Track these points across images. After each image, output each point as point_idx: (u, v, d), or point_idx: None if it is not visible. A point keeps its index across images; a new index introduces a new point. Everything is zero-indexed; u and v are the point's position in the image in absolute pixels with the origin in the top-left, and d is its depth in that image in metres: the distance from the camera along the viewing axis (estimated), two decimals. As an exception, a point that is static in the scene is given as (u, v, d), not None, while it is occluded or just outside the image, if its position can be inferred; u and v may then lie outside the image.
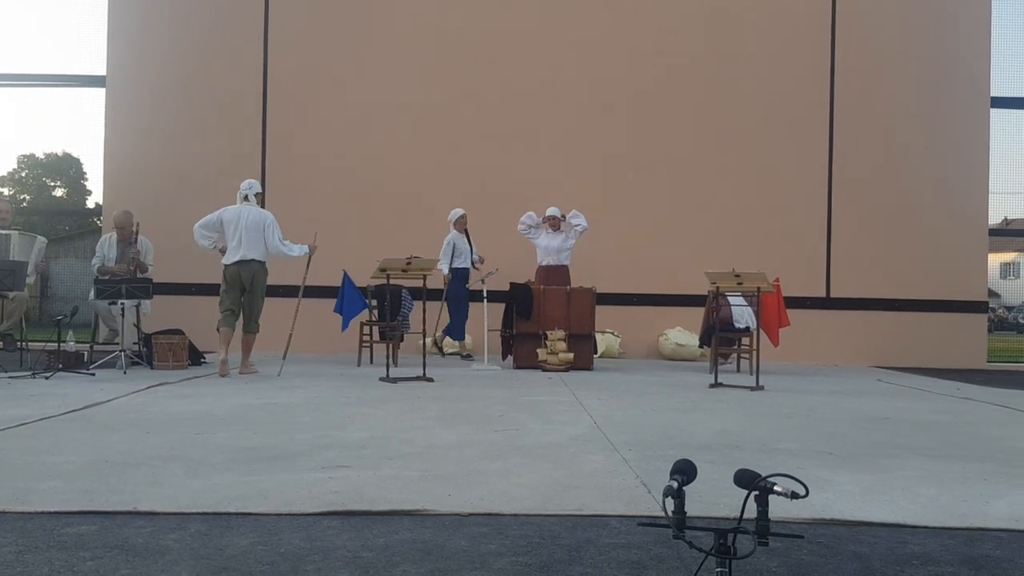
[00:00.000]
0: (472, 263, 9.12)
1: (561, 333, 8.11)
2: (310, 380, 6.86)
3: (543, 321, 8.24)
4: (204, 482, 3.16)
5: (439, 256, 8.82)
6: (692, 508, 1.90)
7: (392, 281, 7.38)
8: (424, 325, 7.41)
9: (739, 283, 7.17)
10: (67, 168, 38.08)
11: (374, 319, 8.66)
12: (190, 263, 9.39)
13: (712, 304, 7.91)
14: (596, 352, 8.94)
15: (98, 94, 10.51)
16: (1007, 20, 11.20)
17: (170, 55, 10.39)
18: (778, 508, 2.05)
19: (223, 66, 10.34)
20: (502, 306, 8.64)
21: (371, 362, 8.54)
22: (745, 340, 8.39)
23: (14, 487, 3.01)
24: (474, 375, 7.68)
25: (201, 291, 9.61)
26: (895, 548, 2.54)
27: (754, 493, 1.69)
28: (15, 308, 8.70)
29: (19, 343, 8.12)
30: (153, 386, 6.19)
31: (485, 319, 8.55)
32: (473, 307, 8.98)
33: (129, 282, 7.53)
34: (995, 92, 10.70)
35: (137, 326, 7.81)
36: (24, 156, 37.92)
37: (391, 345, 7.97)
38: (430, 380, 6.85)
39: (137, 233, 8.18)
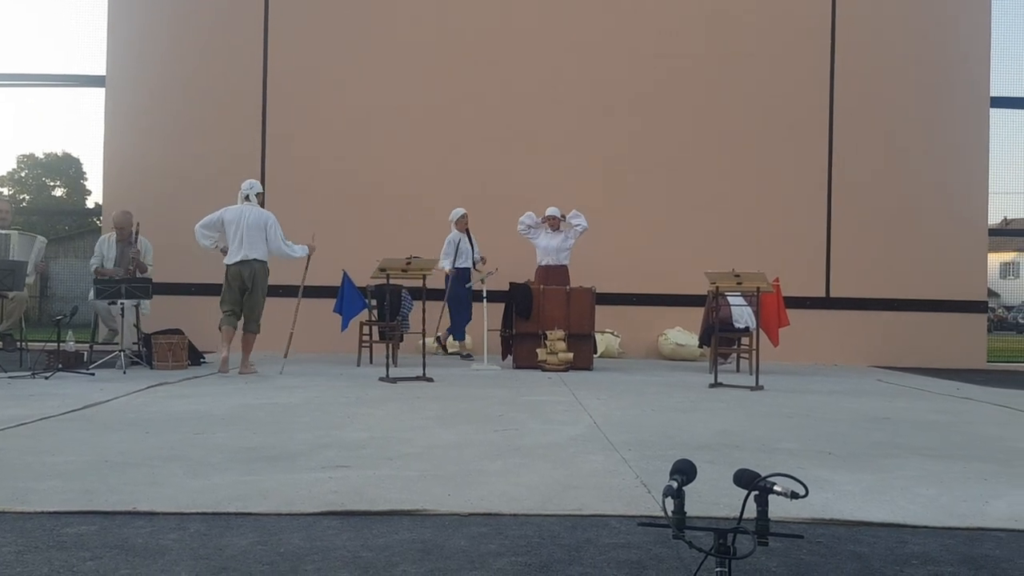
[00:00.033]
0: (473, 263, 9.13)
1: (561, 333, 8.11)
2: (310, 380, 6.86)
3: (543, 321, 8.24)
4: (204, 482, 3.16)
5: (440, 256, 8.85)
6: (692, 508, 1.90)
7: (392, 281, 7.38)
8: (424, 325, 7.41)
9: (739, 283, 7.17)
10: (67, 168, 38.07)
11: (374, 319, 8.66)
12: (190, 263, 9.40)
13: (712, 304, 7.91)
14: (596, 352, 8.94)
15: (98, 94, 10.51)
16: (1007, 20, 11.21)
17: (170, 55, 10.39)
18: (778, 508, 2.05)
19: (223, 66, 10.34)
20: (502, 306, 8.64)
21: (371, 362, 8.54)
22: (745, 340, 8.39)
23: (14, 487, 3.01)
24: (474, 375, 7.68)
25: (201, 291, 9.62)
26: (895, 548, 2.54)
27: (754, 493, 1.69)
28: (15, 308, 8.70)
29: (19, 343, 8.12)
30: (153, 386, 6.19)
31: (485, 319, 8.56)
32: (473, 307, 8.99)
33: (129, 282, 7.54)
34: (995, 92, 10.71)
35: (137, 326, 7.80)
36: (24, 156, 37.95)
37: (391, 345, 7.97)
38: (430, 380, 6.85)
39: (137, 233, 8.19)
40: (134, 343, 7.81)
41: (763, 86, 10.41)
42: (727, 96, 10.40)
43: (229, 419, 4.72)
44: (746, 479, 1.72)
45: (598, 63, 10.38)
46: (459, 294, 8.98)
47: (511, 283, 8.56)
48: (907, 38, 10.55)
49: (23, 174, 37.81)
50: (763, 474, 1.71)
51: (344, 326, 8.46)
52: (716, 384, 6.98)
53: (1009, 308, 28.64)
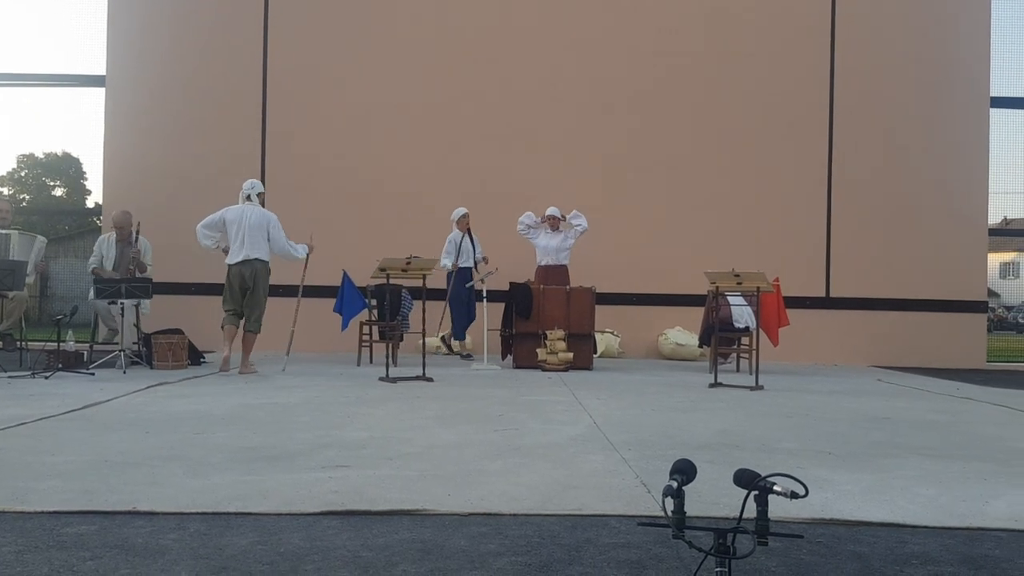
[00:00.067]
0: (475, 263, 9.13)
1: (561, 333, 8.11)
2: (310, 380, 6.86)
3: (543, 321, 8.24)
4: (204, 482, 3.16)
5: (441, 255, 8.86)
6: (692, 508, 1.90)
7: (392, 281, 7.38)
8: (424, 325, 7.41)
9: (739, 283, 7.17)
10: (67, 168, 38.06)
11: (374, 319, 8.66)
12: (190, 263, 9.40)
13: (712, 304, 7.91)
14: (596, 352, 8.94)
15: (98, 94, 10.51)
16: (1007, 20, 11.20)
17: (170, 55, 10.39)
18: (778, 508, 2.05)
19: (223, 66, 10.34)
20: (502, 306, 8.64)
21: (371, 362, 8.54)
22: (745, 340, 8.39)
23: (14, 487, 3.01)
24: (474, 375, 7.68)
25: (201, 291, 9.63)
26: (894, 548, 2.54)
27: (754, 493, 1.69)
28: (15, 308, 8.69)
29: (19, 343, 8.12)
30: (153, 386, 6.19)
31: (485, 319, 8.56)
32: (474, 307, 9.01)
33: (128, 282, 7.54)
34: (995, 92, 10.70)
35: (137, 326, 7.80)
36: (24, 156, 37.93)
37: (391, 345, 7.97)
38: (430, 380, 6.86)
39: (138, 233, 8.19)
40: (134, 343, 7.81)
41: (763, 84, 10.41)
42: (727, 94, 10.40)
43: (229, 419, 4.72)
44: (746, 479, 1.72)
45: (597, 61, 10.38)
46: (460, 294, 8.99)
47: (511, 283, 8.55)
48: (907, 36, 10.55)
49: (23, 174, 37.80)
50: (763, 474, 1.71)
51: (344, 326, 8.46)
52: (716, 384, 6.98)
53: (1009, 308, 28.64)
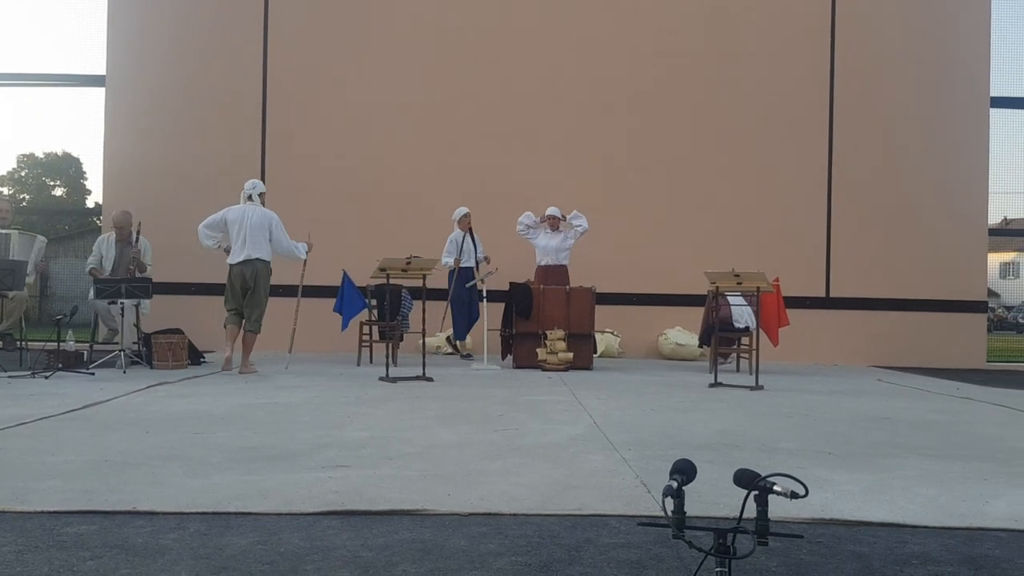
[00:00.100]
0: (477, 262, 9.13)
1: (561, 333, 8.11)
2: (310, 380, 6.86)
3: (543, 321, 8.24)
4: (204, 482, 3.16)
5: (442, 254, 8.88)
6: (692, 508, 1.90)
7: (392, 281, 7.38)
8: (424, 325, 7.41)
9: (739, 283, 7.18)
10: (67, 168, 38.07)
11: (374, 319, 8.66)
12: (190, 263, 9.41)
13: (712, 304, 7.91)
14: (596, 352, 8.94)
15: (98, 94, 10.51)
16: (1007, 20, 11.20)
17: (170, 55, 10.38)
18: (778, 508, 2.05)
19: (223, 66, 10.34)
20: (502, 306, 8.65)
21: (371, 362, 8.54)
22: (745, 340, 8.39)
23: (14, 487, 3.01)
24: (474, 375, 7.68)
25: (201, 291, 9.64)
26: (894, 548, 2.54)
27: (754, 493, 1.69)
28: (15, 307, 8.69)
29: (19, 343, 8.11)
30: (153, 386, 6.19)
31: (485, 319, 8.57)
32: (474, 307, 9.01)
33: (128, 282, 7.54)
34: (995, 92, 10.70)
35: (137, 326, 7.80)
36: (24, 155, 37.94)
37: (391, 345, 7.98)
38: (430, 380, 6.86)
39: (139, 233, 8.19)
40: (134, 343, 7.81)
41: (763, 84, 10.41)
42: (727, 94, 10.40)
43: (229, 419, 4.72)
44: (746, 479, 1.72)
45: (597, 61, 10.38)
46: (462, 295, 8.99)
47: (511, 283, 8.56)
48: (907, 36, 10.55)
49: (23, 174, 37.80)
50: (763, 474, 1.71)
51: (344, 326, 8.46)
52: (716, 384, 6.98)
53: (1009, 308, 28.64)
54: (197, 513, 2.74)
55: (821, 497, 3.06)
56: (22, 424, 4.37)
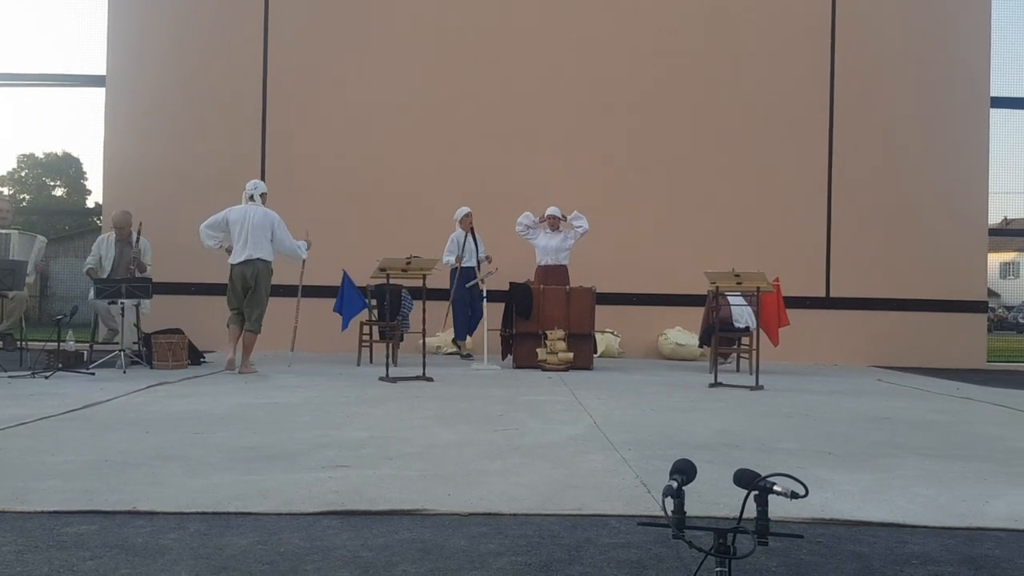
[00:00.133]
0: (478, 262, 9.14)
1: (561, 333, 8.11)
2: (309, 380, 6.86)
3: (543, 321, 8.24)
4: (203, 482, 3.16)
5: (443, 254, 8.88)
6: (692, 508, 1.90)
7: (392, 281, 7.38)
8: (424, 325, 7.41)
9: (739, 283, 7.18)
10: (67, 168, 38.07)
11: (374, 319, 8.66)
12: (190, 263, 9.41)
13: (712, 304, 7.91)
14: (596, 352, 8.94)
15: (98, 94, 10.51)
16: (1007, 20, 11.22)
17: (170, 55, 10.38)
18: (777, 508, 2.05)
19: (223, 66, 10.34)
20: (502, 306, 8.65)
21: (371, 362, 8.54)
22: (745, 340, 8.39)
23: (14, 486, 3.01)
24: (474, 375, 7.68)
25: (201, 291, 9.64)
26: (894, 548, 2.54)
27: (754, 493, 1.69)
28: (15, 307, 8.69)
29: (19, 343, 8.12)
30: (153, 386, 6.19)
31: (485, 319, 8.57)
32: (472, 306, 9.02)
33: (128, 282, 7.54)
34: (995, 92, 10.70)
35: (137, 326, 7.81)
36: (24, 155, 37.95)
37: (391, 345, 7.98)
38: (429, 379, 6.86)
39: (140, 234, 8.19)
40: (134, 343, 7.81)
41: (763, 84, 10.41)
42: (727, 94, 10.40)
43: (229, 419, 4.72)
44: (746, 479, 1.72)
45: (597, 61, 10.38)
46: (463, 295, 8.98)
47: (511, 283, 8.56)
48: (907, 36, 10.55)
49: (23, 174, 37.81)
50: (763, 474, 1.71)
51: (344, 326, 8.46)
52: (716, 384, 6.98)
53: (1009, 308, 28.65)
54: (197, 513, 2.74)
55: (821, 497, 3.06)
56: (22, 424, 4.37)
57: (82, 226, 23.47)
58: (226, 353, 7.55)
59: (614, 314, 9.76)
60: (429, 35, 10.38)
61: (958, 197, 10.46)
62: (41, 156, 38.19)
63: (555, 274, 8.98)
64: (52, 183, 38.35)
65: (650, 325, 10.12)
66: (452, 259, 8.96)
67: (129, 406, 5.18)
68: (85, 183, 38.05)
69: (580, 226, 8.97)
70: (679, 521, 1.69)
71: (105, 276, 8.23)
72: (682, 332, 9.89)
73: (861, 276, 10.32)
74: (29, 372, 6.79)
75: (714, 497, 2.98)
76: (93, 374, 6.86)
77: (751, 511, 1.70)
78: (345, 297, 8.37)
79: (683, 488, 1.71)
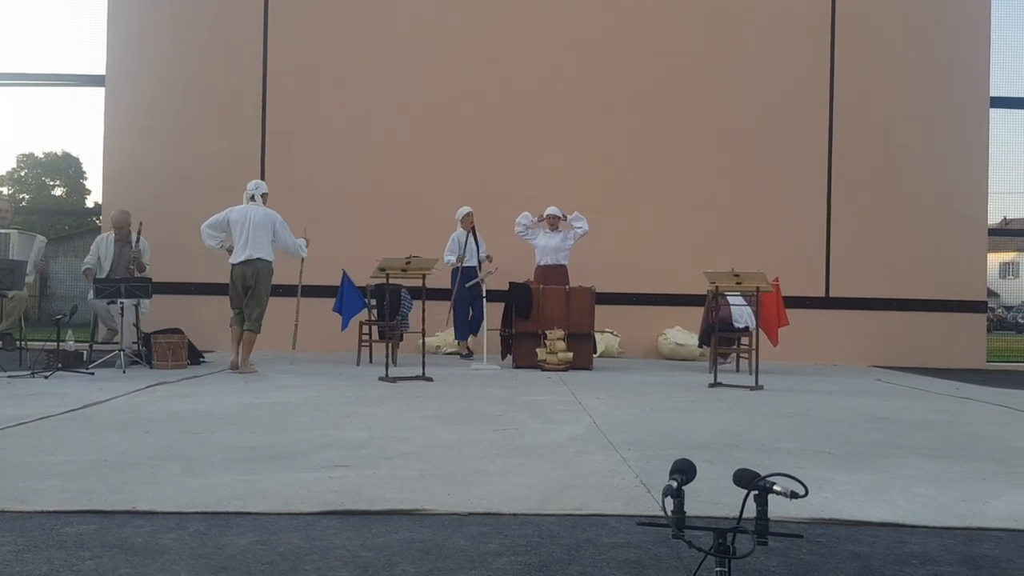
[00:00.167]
0: (479, 261, 9.14)
1: (560, 333, 8.11)
2: (309, 379, 6.86)
3: (542, 321, 8.24)
4: (203, 481, 3.16)
5: (444, 253, 8.89)
6: (691, 508, 1.90)
7: (391, 280, 7.38)
8: (424, 325, 7.41)
9: (738, 283, 7.18)
10: (66, 167, 38.05)
11: (373, 319, 8.66)
12: (189, 263, 9.41)
13: (711, 304, 7.91)
14: (596, 352, 8.94)
15: (98, 94, 10.50)
16: (1007, 20, 11.22)
17: (170, 55, 10.38)
18: (777, 508, 2.05)
19: (223, 66, 10.34)
20: (501, 306, 8.64)
21: (370, 361, 8.53)
22: (744, 340, 8.39)
23: (13, 486, 3.01)
24: (473, 374, 7.68)
25: (200, 291, 9.64)
26: (894, 548, 2.54)
27: (753, 493, 1.69)
28: (14, 307, 8.69)
29: (18, 342, 8.11)
30: (152, 385, 6.19)
31: (485, 319, 8.57)
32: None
33: (128, 281, 7.54)
34: (995, 92, 10.70)
35: (136, 325, 7.80)
36: (23, 155, 37.90)
37: (390, 344, 7.98)
38: (429, 379, 6.86)
39: (140, 234, 8.19)
40: (134, 342, 7.81)
41: (763, 84, 10.41)
42: (727, 94, 10.40)
43: (228, 418, 4.72)
44: (746, 479, 1.72)
45: (597, 61, 10.38)
46: (463, 294, 8.98)
47: (511, 283, 8.55)
48: (907, 36, 10.55)
49: (23, 173, 37.78)
50: (763, 474, 1.71)
51: (344, 325, 8.46)
52: (716, 384, 6.98)
53: (1009, 308, 28.65)
54: (196, 513, 2.74)
55: (821, 497, 3.06)
56: (22, 424, 4.37)
57: (82, 226, 23.47)
58: (229, 355, 7.54)
59: (614, 314, 9.76)
60: (429, 35, 10.38)
61: (958, 197, 10.46)
62: (41, 156, 38.18)
63: (555, 274, 8.98)
64: (52, 183, 38.33)
65: (650, 325, 10.12)
66: (453, 259, 8.96)
67: (129, 406, 5.18)
68: (85, 183, 38.07)
69: (580, 227, 8.97)
70: (679, 521, 1.68)
71: (104, 276, 8.23)
72: (682, 332, 9.89)
73: (861, 276, 10.32)
74: (29, 372, 6.79)
75: (714, 497, 2.98)
76: (92, 374, 6.86)
77: (751, 511, 1.70)
78: (345, 297, 8.37)
79: (683, 488, 1.71)
